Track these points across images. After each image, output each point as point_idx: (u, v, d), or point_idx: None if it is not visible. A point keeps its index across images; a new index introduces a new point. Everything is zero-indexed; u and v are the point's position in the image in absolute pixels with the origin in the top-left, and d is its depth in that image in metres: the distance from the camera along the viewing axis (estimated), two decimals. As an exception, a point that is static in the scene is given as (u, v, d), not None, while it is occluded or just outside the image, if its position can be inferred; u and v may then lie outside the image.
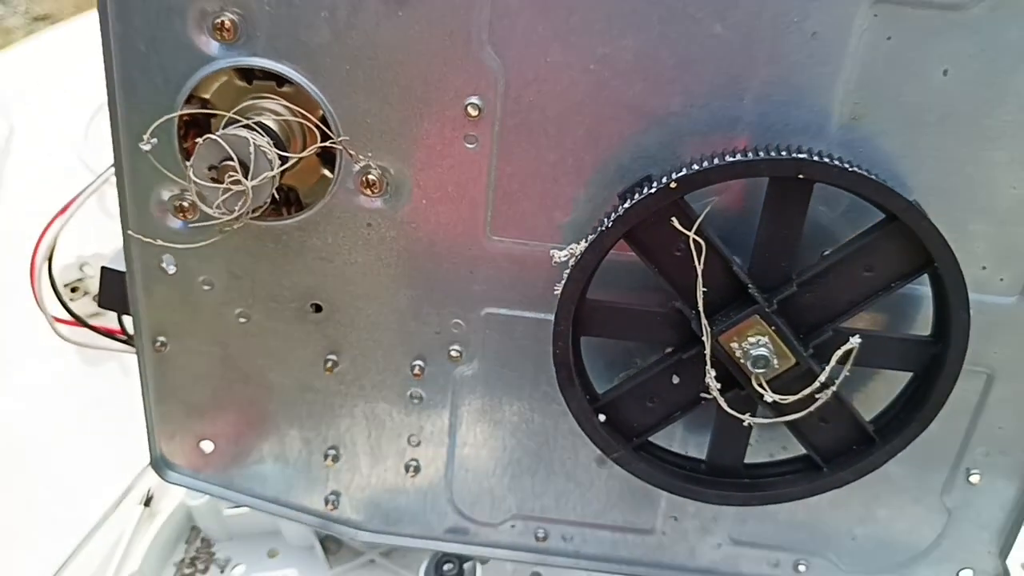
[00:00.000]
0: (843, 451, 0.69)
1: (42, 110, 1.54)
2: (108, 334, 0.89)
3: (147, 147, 0.64)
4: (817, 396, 0.65)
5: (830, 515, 0.78)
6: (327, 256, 0.71)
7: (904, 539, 0.79)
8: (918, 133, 0.63)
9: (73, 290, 1.20)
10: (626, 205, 0.61)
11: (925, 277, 0.64)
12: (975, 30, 0.60)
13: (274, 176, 0.62)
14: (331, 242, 0.70)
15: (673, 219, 0.61)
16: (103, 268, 0.79)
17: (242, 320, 0.74)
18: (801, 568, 0.80)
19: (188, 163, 0.63)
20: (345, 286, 0.72)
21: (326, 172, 0.68)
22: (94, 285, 1.19)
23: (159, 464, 0.82)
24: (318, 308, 0.73)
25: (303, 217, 0.69)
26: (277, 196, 0.68)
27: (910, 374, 0.69)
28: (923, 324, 0.69)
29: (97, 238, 1.15)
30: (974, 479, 0.75)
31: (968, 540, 0.78)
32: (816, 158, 0.59)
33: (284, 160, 0.63)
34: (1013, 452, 0.74)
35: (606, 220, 0.62)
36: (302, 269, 0.71)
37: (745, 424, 0.67)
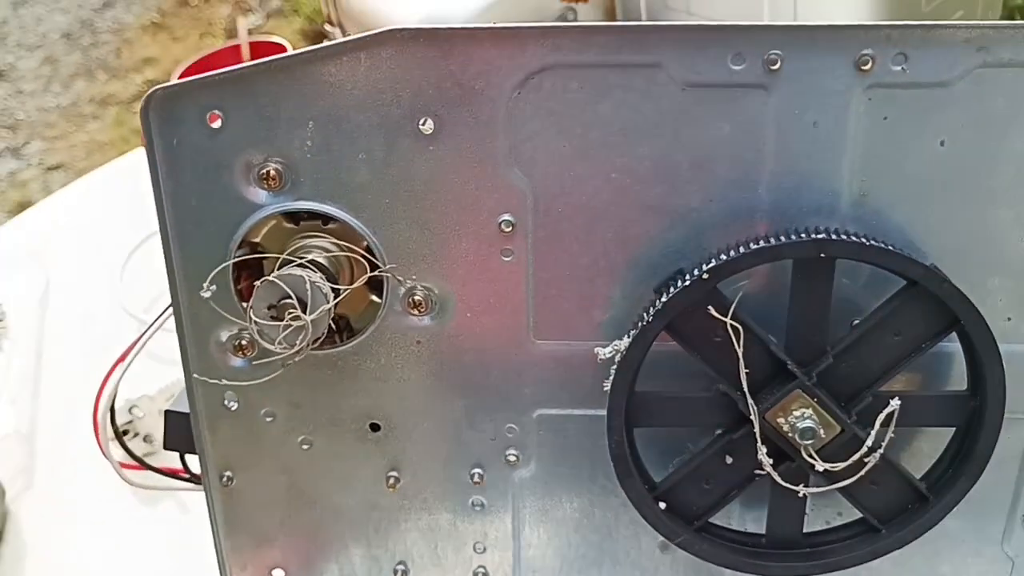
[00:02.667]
0: (898, 511, 0.71)
1: (77, 260, 1.60)
2: (171, 474, 0.92)
3: (207, 294, 0.68)
4: (866, 460, 0.67)
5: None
6: (381, 376, 0.74)
7: (971, 595, 0.80)
8: (925, 201, 0.67)
9: (124, 433, 1.24)
10: (663, 299, 0.65)
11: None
12: (963, 103, 0.65)
13: (330, 308, 0.66)
14: (384, 363, 0.74)
15: (709, 307, 0.64)
16: (167, 411, 0.83)
17: (305, 447, 0.77)
18: (873, 633, 0.81)
19: (247, 304, 0.67)
20: (400, 403, 0.75)
21: (374, 298, 0.72)
22: (144, 426, 1.22)
23: (234, 600, 0.84)
24: (376, 427, 0.76)
25: (356, 342, 0.73)
26: (332, 325, 0.72)
27: (952, 429, 0.72)
28: (959, 378, 0.72)
29: (142, 380, 1.18)
30: (1031, 527, 0.76)
31: (1033, 587, 0.79)
32: (834, 236, 0.63)
33: (338, 292, 0.67)
34: (1064, 494, 0.76)
35: (646, 315, 0.66)
36: (359, 391, 0.75)
37: (800, 495, 0.69)
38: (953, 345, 0.70)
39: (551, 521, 0.78)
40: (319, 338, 0.68)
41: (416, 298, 0.71)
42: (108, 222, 1.64)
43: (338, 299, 0.67)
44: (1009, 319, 0.70)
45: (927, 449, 0.75)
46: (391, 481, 0.77)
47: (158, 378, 1.23)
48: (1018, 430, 0.73)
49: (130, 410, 1.23)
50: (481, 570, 0.80)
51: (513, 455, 0.76)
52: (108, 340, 1.06)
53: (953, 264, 0.67)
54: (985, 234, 0.68)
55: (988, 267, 0.69)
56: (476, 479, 0.76)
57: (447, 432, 0.76)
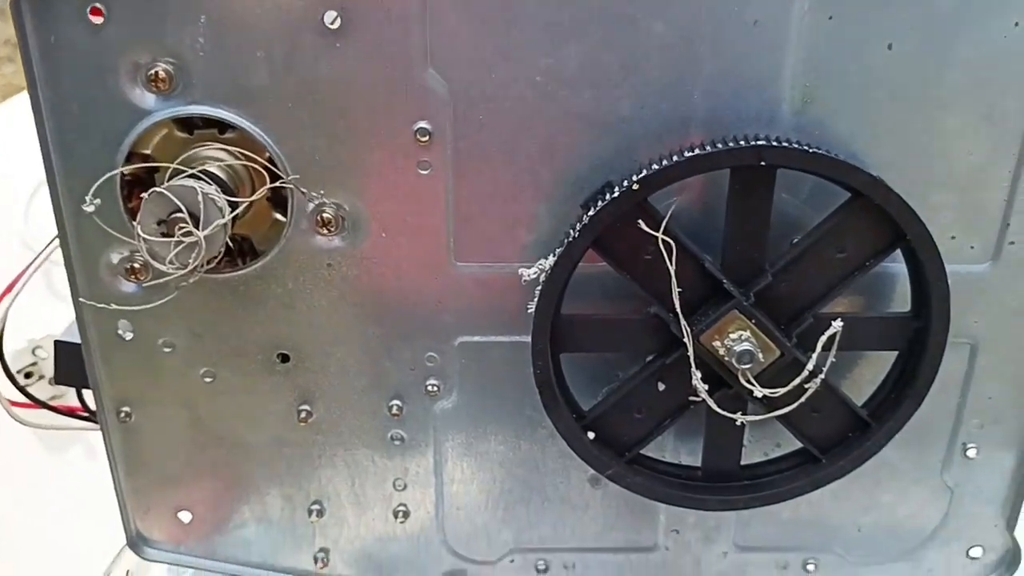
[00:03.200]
0: (839, 440, 0.68)
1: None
2: (69, 413, 0.85)
3: (91, 208, 0.62)
4: (806, 386, 0.64)
5: (834, 508, 0.76)
6: (289, 302, 0.68)
7: (910, 524, 0.77)
8: (870, 110, 0.63)
9: (27, 376, 1.16)
10: (591, 213, 0.60)
11: (897, 255, 0.64)
12: (912, 3, 0.60)
13: (226, 223, 0.60)
14: (291, 287, 0.68)
15: (639, 222, 0.59)
16: (56, 342, 0.76)
17: (208, 380, 0.71)
18: (810, 567, 0.78)
19: (135, 221, 0.61)
20: (311, 331, 0.69)
21: (279, 216, 0.66)
22: (48, 367, 1.15)
23: (136, 542, 0.79)
24: (285, 358, 0.71)
25: (260, 265, 0.67)
26: (231, 246, 0.66)
27: (895, 353, 0.68)
28: (901, 302, 0.68)
29: (48, 320, 1.11)
30: (971, 453, 0.74)
31: (974, 516, 0.77)
32: (776, 143, 0.59)
33: (234, 206, 0.61)
34: (1006, 420, 0.73)
35: (572, 231, 0.61)
36: (264, 319, 0.69)
37: (738, 423, 0.65)
38: (895, 266, 0.67)
39: (475, 455, 0.74)
40: (216, 258, 0.62)
41: (325, 216, 0.65)
42: (12, 159, 1.54)
43: (235, 212, 0.61)
44: (953, 237, 0.66)
45: (868, 375, 0.71)
46: (303, 415, 0.72)
47: (64, 318, 1.15)
48: (959, 354, 0.70)
49: (33, 351, 1.16)
50: (402, 508, 0.76)
51: (434, 385, 0.70)
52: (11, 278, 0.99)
53: (897, 178, 0.62)
54: (931, 147, 0.64)
55: (933, 183, 0.65)
56: (395, 411, 0.71)
57: (362, 362, 0.70)
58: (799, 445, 0.71)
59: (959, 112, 0.63)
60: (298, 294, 0.68)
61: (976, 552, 0.79)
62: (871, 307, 0.69)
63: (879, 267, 0.64)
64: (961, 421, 0.73)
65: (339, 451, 0.74)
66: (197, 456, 0.75)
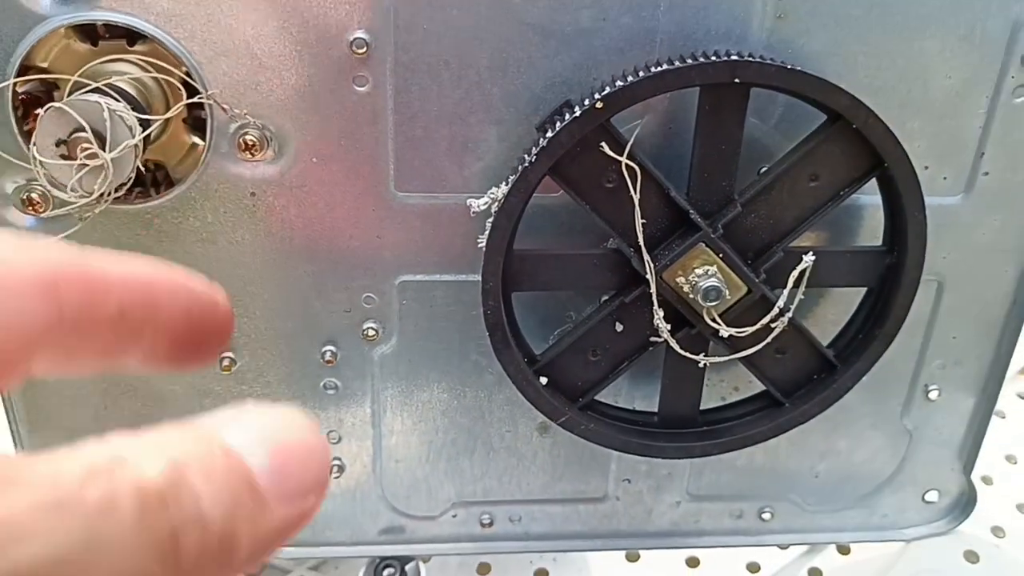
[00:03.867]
0: (804, 383, 0.65)
1: None
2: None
3: (-25, 128, 0.54)
4: (773, 325, 0.60)
5: (790, 455, 0.73)
6: (208, 237, 0.61)
7: (867, 469, 0.75)
8: (846, 28, 0.58)
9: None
10: (548, 135, 0.54)
11: (869, 186, 0.60)
12: (897, -93, 0.56)
13: (136, 144, 0.53)
14: (211, 220, 0.61)
15: (603, 145, 0.54)
16: (-57, 285, 0.68)
17: (118, 325, 0.64)
18: (766, 516, 0.75)
19: (32, 143, 0.53)
20: (234, 270, 0.62)
21: (196, 140, 0.59)
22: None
23: (41, 504, 0.71)
24: (206, 300, 0.64)
25: (175, 194, 0.59)
26: (143, 173, 0.58)
27: (860, 293, 0.65)
28: (868, 236, 0.65)
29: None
30: (933, 395, 0.71)
31: (931, 460, 0.75)
32: (752, 59, 0.54)
33: (146, 125, 0.54)
34: (968, 361, 0.70)
35: (527, 157, 0.55)
36: (181, 256, 0.62)
37: (700, 365, 0.61)
38: (864, 198, 0.63)
39: (416, 404, 0.68)
40: (126, 185, 0.55)
41: (248, 138, 0.58)
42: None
43: (146, 132, 0.54)
44: (927, 167, 0.63)
45: (831, 316, 0.68)
46: (225, 363, 0.65)
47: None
48: (926, 292, 0.67)
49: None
50: (336, 462, 0.70)
51: (371, 329, 0.64)
52: None
53: (871, 102, 0.58)
54: (908, 69, 0.60)
55: (909, 108, 0.61)
56: (328, 358, 0.65)
57: (291, 304, 0.64)
58: (757, 389, 0.68)
59: (938, 31, 0.59)
60: (218, 228, 0.61)
61: (932, 496, 0.77)
62: (837, 243, 0.66)
63: (847, 200, 0.60)
64: (924, 362, 0.70)
65: (266, 402, 0.67)
66: (109, 409, 0.68)
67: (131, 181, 0.55)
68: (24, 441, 0.68)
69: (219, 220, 0.61)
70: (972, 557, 0.76)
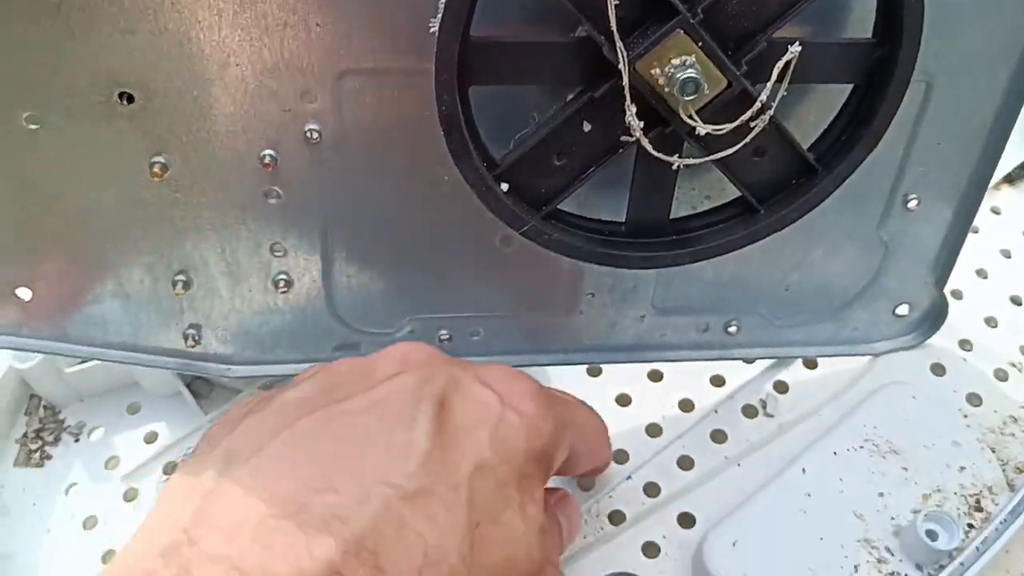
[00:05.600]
0: (781, 187, 0.61)
1: None
2: None
3: None
4: (753, 124, 0.55)
5: (761, 266, 0.70)
6: (127, 26, 0.54)
7: (839, 281, 0.72)
8: None
9: None
10: (509, -103, 0.47)
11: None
12: None
13: (25, -96, 0.45)
14: (128, 6, 0.53)
15: (571, -90, 0.47)
16: None
17: (34, 127, 0.57)
18: (732, 329, 0.73)
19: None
20: (158, 63, 0.55)
21: (103, -94, 0.51)
22: None
23: (-33, 324, 0.67)
24: (129, 98, 0.57)
25: (83, -28, 0.52)
26: (41, -55, 0.51)
27: (843, 94, 0.60)
28: (857, 29, 0.59)
29: None
30: (912, 204, 0.68)
31: (904, 273, 0.72)
32: None
33: None
34: (951, 167, 0.67)
35: (484, -76, 0.48)
36: (97, 48, 0.55)
37: (673, 167, 0.56)
38: (853, -15, 0.57)
39: (365, 214, 0.63)
40: (21, -42, 0.48)
41: (163, -96, 0.50)
42: None
43: None
44: (922, -50, 0.57)
45: (812, 118, 0.63)
46: (156, 169, 0.59)
47: None
48: (913, 93, 0.62)
49: None
50: (283, 277, 0.66)
51: (314, 130, 0.58)
52: None
53: None
54: None
55: None
56: (267, 162, 0.59)
57: (224, 102, 0.57)
58: (731, 198, 0.64)
59: None
60: (138, 15, 0.53)
61: (903, 310, 0.75)
62: (821, 35, 0.60)
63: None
64: (905, 169, 0.66)
65: (203, 212, 0.62)
66: (31, 224, 0.62)
67: (27, -47, 0.47)
68: (-58, 257, 0.63)
69: (138, 5, 0.53)
70: (939, 370, 0.75)
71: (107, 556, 0.72)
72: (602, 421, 0.64)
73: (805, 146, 0.60)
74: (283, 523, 0.43)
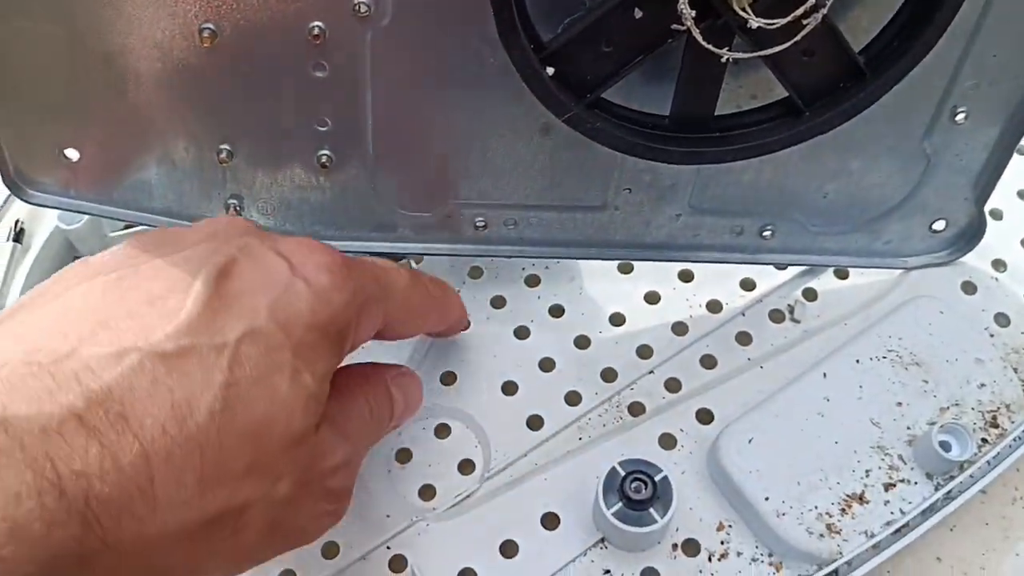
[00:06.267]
0: (828, 90, 0.60)
1: None
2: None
3: None
4: (805, 21, 0.54)
5: (800, 172, 0.69)
6: None
7: (878, 192, 0.72)
8: None
9: None
10: None
11: None
12: None
13: None
14: None
15: None
16: None
17: (86, -16, 0.58)
18: (766, 234, 0.73)
19: None
20: (211, -77, 0.56)
21: None
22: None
23: (15, 182, 0.68)
24: (177, -38, 0.57)
25: None
26: None
27: (901, -4, 0.59)
28: (921, -70, 0.58)
29: None
30: (960, 117, 0.67)
31: (945, 188, 0.72)
32: None
33: None
34: (1003, 82, 0.66)
35: None
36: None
37: (723, 60, 0.56)
38: None
39: (410, 95, 0.63)
40: None
41: None
42: None
43: None
44: None
45: (864, 22, 0.62)
46: (205, 35, 0.60)
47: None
48: (973, 3, 0.61)
49: None
50: (326, 153, 0.66)
51: (363, 4, 0.58)
52: None
53: None
54: None
55: None
56: (316, 34, 0.59)
57: (274, -30, 0.58)
58: (776, 98, 0.63)
59: None
60: None
61: (939, 225, 0.75)
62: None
63: None
64: (956, 80, 0.65)
65: (251, 80, 0.63)
66: (81, 82, 0.63)
67: None
68: (-8, 114, 0.64)
69: None
70: (969, 288, 0.75)
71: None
72: (439, 287, 0.68)
73: (856, 50, 0.59)
74: (37, 369, 0.43)
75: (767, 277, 0.77)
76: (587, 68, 0.58)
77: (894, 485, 0.65)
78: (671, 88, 0.61)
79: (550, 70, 0.57)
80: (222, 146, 0.66)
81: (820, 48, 0.58)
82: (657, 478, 0.62)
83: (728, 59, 0.56)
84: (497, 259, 0.78)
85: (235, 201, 0.70)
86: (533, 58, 0.56)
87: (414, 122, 0.65)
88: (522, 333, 0.75)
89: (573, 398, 0.72)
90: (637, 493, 0.62)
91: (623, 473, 0.62)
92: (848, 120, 0.61)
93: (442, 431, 0.71)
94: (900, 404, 0.68)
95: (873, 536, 0.63)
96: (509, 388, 0.73)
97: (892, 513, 0.64)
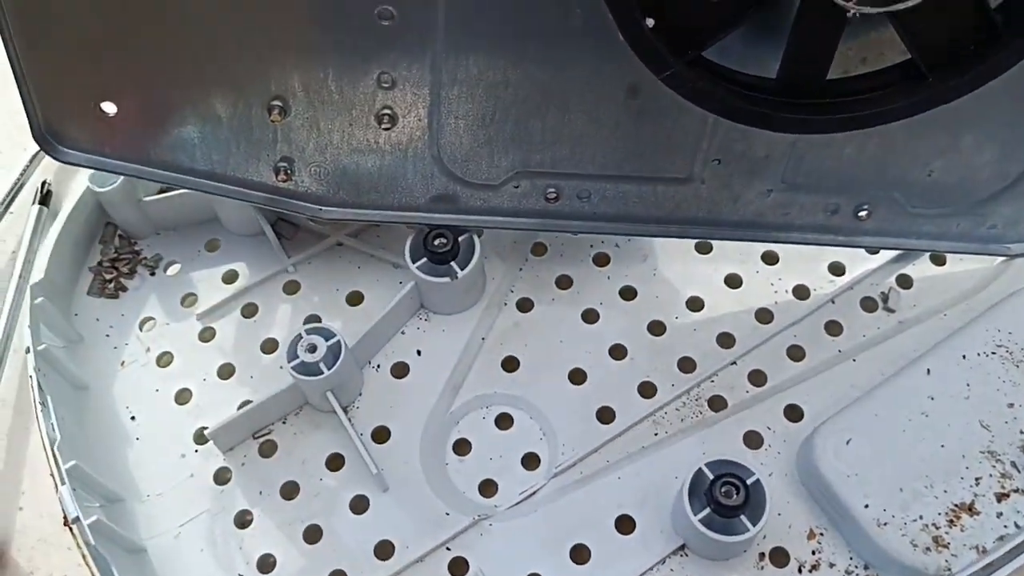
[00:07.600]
0: (956, 53, 0.53)
1: None
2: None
3: None
4: (944, -29, 0.48)
5: (906, 146, 0.63)
6: None
7: (988, 172, 0.65)
8: None
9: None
10: None
11: None
12: None
13: None
14: None
15: None
16: None
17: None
18: (862, 214, 0.66)
19: None
20: None
21: None
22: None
23: (45, 137, 0.63)
24: None
25: None
26: None
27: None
28: None
29: None
30: (1088, 90, 0.60)
31: (1064, 168, 0.65)
32: None
33: None
34: None
35: None
36: None
37: (849, 14, 0.49)
38: None
39: (485, 50, 0.57)
40: None
41: None
42: None
43: None
44: None
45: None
46: (259, -19, 0.54)
47: None
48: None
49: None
50: (387, 111, 0.60)
51: (441, -57, 0.52)
52: None
53: None
54: None
55: None
56: (385, -25, 0.53)
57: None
58: (887, 64, 0.57)
59: None
60: None
61: (1051, 210, 0.68)
62: None
63: None
64: (1093, 49, 0.58)
65: (309, 29, 0.56)
66: (119, 25, 0.57)
67: None
68: (21, 59, 0.58)
69: None
70: (1080, 279, 0.69)
71: (180, 395, 0.69)
72: None
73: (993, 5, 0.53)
74: None
75: (858, 261, 0.71)
76: (692, 19, 0.51)
77: (1007, 495, 0.59)
78: (771, 52, 0.55)
79: (650, 21, 0.51)
80: (274, 102, 0.60)
81: (952, 5, 0.51)
82: (749, 482, 0.56)
83: (855, 13, 0.49)
84: (563, 236, 0.72)
85: (285, 164, 0.64)
86: (633, 6, 0.50)
87: (488, 77, 0.59)
88: (590, 317, 0.70)
89: (647, 390, 0.66)
90: (728, 498, 0.56)
91: (711, 476, 0.57)
92: (976, 88, 0.54)
93: (504, 421, 0.65)
94: (1012, 406, 0.62)
95: (985, 552, 0.57)
96: (576, 377, 0.67)
97: (1006, 527, 0.58)
